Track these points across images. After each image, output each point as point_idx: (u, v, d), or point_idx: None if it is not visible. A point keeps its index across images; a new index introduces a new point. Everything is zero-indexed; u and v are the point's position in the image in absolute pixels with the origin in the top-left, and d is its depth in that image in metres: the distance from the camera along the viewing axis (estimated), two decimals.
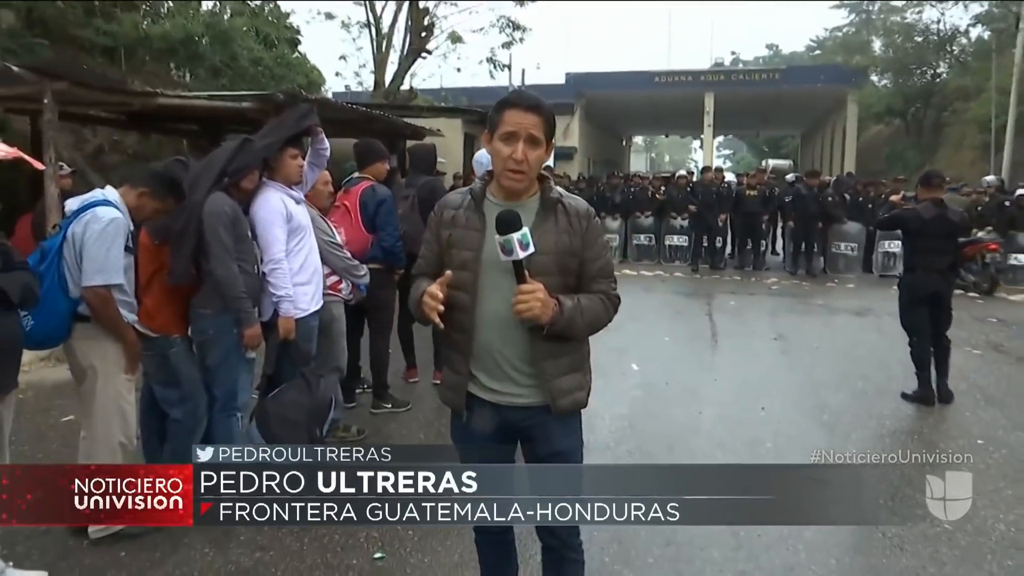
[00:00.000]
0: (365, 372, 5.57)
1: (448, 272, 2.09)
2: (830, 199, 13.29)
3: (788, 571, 3.20)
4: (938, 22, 33.13)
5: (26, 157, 2.97)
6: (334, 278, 4.60)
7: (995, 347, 7.81)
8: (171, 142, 15.51)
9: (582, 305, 2.11)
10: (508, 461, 2.14)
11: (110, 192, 3.39)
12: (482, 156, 5.54)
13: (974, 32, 32.37)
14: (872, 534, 3.53)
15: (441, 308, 2.03)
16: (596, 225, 2.22)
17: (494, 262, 2.05)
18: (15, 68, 6.39)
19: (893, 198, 7.10)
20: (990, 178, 13.58)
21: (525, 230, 1.98)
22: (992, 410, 5.57)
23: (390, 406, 5.24)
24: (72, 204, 3.38)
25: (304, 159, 4.13)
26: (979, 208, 12.28)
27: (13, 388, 2.85)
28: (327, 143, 4.33)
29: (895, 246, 12.15)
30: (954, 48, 33.49)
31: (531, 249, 1.99)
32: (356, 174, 5.16)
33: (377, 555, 3.27)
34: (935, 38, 33.14)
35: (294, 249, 3.92)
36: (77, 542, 3.31)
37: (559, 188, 2.23)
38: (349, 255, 4.60)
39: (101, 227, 3.18)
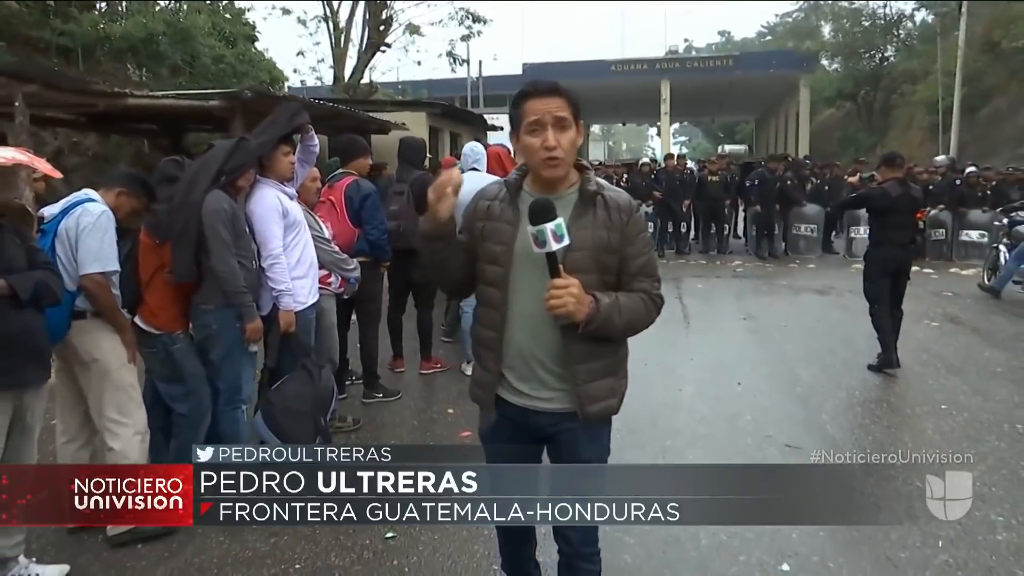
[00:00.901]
0: (353, 364, 5.69)
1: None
2: (789, 182, 13.66)
3: (776, 532, 3.42)
4: (884, 7, 33.97)
5: (38, 163, 2.99)
6: (323, 272, 4.70)
7: (951, 319, 8.20)
8: (131, 142, 15.31)
9: (620, 303, 2.00)
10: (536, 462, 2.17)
11: (91, 192, 3.46)
12: (471, 148, 5.66)
13: (919, 16, 33.29)
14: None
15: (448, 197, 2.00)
16: (639, 219, 2.10)
17: (527, 257, 1.95)
18: None
19: (851, 180, 7.41)
20: (941, 158, 14.12)
21: (560, 220, 1.88)
22: (953, 378, 5.89)
23: (381, 395, 5.37)
24: (53, 209, 3.42)
25: (295, 157, 4.23)
26: (931, 187, 12.75)
27: (44, 382, 2.92)
28: (316, 141, 4.42)
29: (863, 232, 12.64)
30: (900, 32, 34.39)
31: (566, 241, 1.88)
32: (340, 170, 5.26)
33: (388, 535, 3.41)
34: (882, 22, 33.99)
35: (291, 244, 4.02)
36: (94, 536, 3.39)
37: (599, 179, 2.12)
38: (337, 249, 4.71)
39: (94, 219, 3.26)
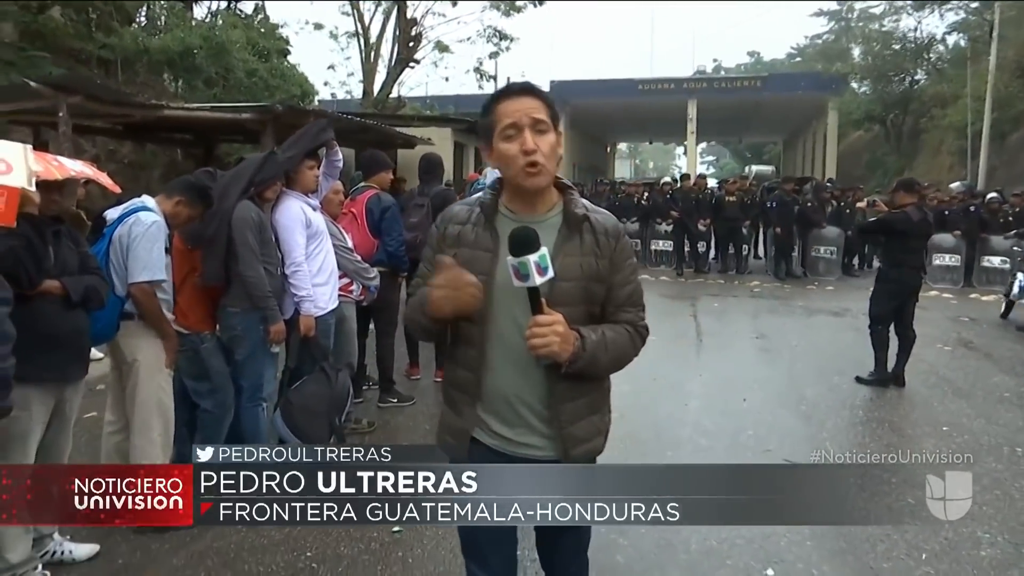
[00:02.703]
0: (370, 370, 5.91)
1: (446, 258, 1.80)
2: (809, 204, 13.75)
3: (765, 539, 3.56)
4: (915, 30, 33.87)
5: (101, 178, 3.27)
6: (345, 280, 4.93)
7: (965, 344, 8.24)
8: (165, 151, 15.80)
9: (607, 339, 1.84)
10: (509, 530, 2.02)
11: (148, 200, 3.70)
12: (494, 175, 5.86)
13: (950, 39, 33.16)
14: None
15: (476, 290, 1.74)
16: (626, 245, 1.94)
17: (508, 288, 1.76)
18: (32, 84, 6.70)
19: (859, 205, 7.58)
20: (956, 184, 14.16)
21: (544, 251, 1.70)
22: (959, 401, 5.97)
23: (396, 400, 5.58)
24: (113, 213, 3.69)
25: (319, 169, 4.48)
26: (946, 212, 12.82)
27: (82, 377, 3.16)
28: (340, 156, 4.68)
29: (829, 253, 13.08)
30: (931, 55, 34.24)
31: (550, 274, 1.71)
32: (362, 183, 5.51)
33: (395, 528, 3.59)
34: (912, 46, 33.86)
35: (313, 252, 4.26)
36: None
37: (584, 200, 1.95)
38: (359, 258, 4.95)
39: (144, 229, 3.48)
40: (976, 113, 23.60)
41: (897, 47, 34.00)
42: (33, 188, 2.49)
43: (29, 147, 2.59)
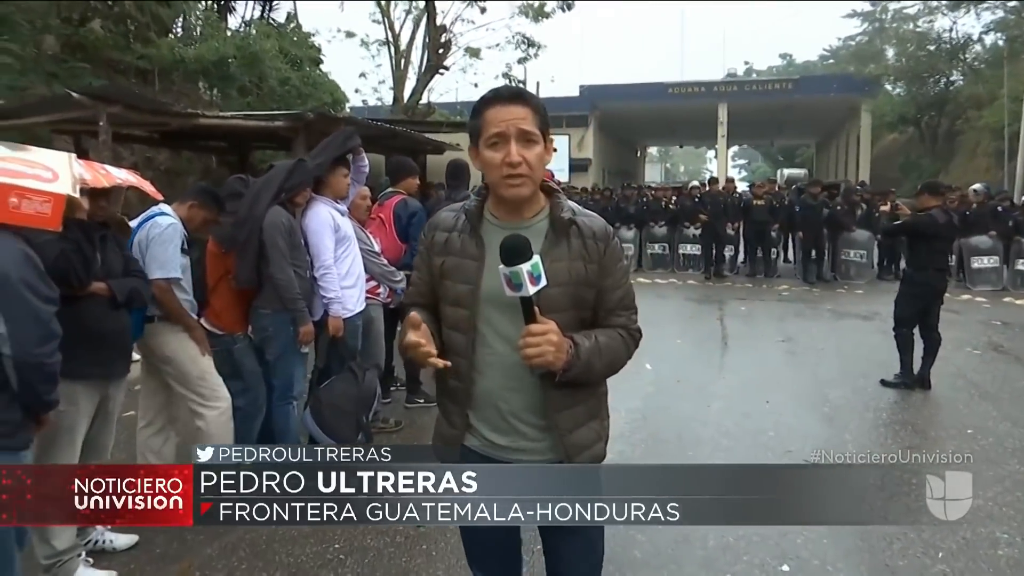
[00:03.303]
0: (397, 371, 6.04)
1: (414, 315, 1.77)
2: (839, 207, 13.66)
3: (781, 536, 3.62)
4: (950, 30, 33.37)
5: (145, 186, 3.45)
6: (372, 283, 5.07)
7: (995, 347, 8.16)
8: (200, 158, 16.17)
9: (600, 344, 1.82)
10: (512, 534, 2.04)
11: (164, 207, 3.88)
12: None
13: (988, 39, 32.60)
14: None
15: (433, 351, 1.74)
16: (615, 248, 1.90)
17: (495, 296, 1.73)
18: (75, 94, 6.96)
19: (883, 208, 7.60)
20: (977, 187, 13.95)
21: (536, 259, 1.66)
22: (985, 404, 5.94)
23: (422, 401, 5.71)
24: (135, 223, 3.86)
25: (349, 176, 4.62)
26: (967, 213, 12.72)
27: (126, 374, 3.33)
28: (367, 162, 4.82)
29: (860, 256, 13.01)
30: (967, 56, 33.71)
31: (543, 283, 1.67)
32: (389, 188, 5.65)
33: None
34: (947, 46, 33.36)
35: (341, 256, 4.40)
36: None
37: (572, 204, 1.91)
38: (386, 262, 5.09)
39: (160, 231, 3.66)
40: (1013, 114, 23.21)
41: (932, 48, 33.51)
42: (78, 195, 2.64)
43: (73, 155, 2.76)
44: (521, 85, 27.64)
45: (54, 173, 2.57)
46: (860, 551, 3.49)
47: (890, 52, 37.60)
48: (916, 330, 6.40)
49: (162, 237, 3.62)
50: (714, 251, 14.33)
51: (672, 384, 6.43)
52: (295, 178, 4.24)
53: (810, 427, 5.32)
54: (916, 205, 6.70)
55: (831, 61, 49.50)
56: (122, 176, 3.31)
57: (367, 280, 4.95)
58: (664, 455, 4.71)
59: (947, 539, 3.59)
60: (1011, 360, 7.59)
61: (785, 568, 3.32)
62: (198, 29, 15.47)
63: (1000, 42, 30.73)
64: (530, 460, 1.87)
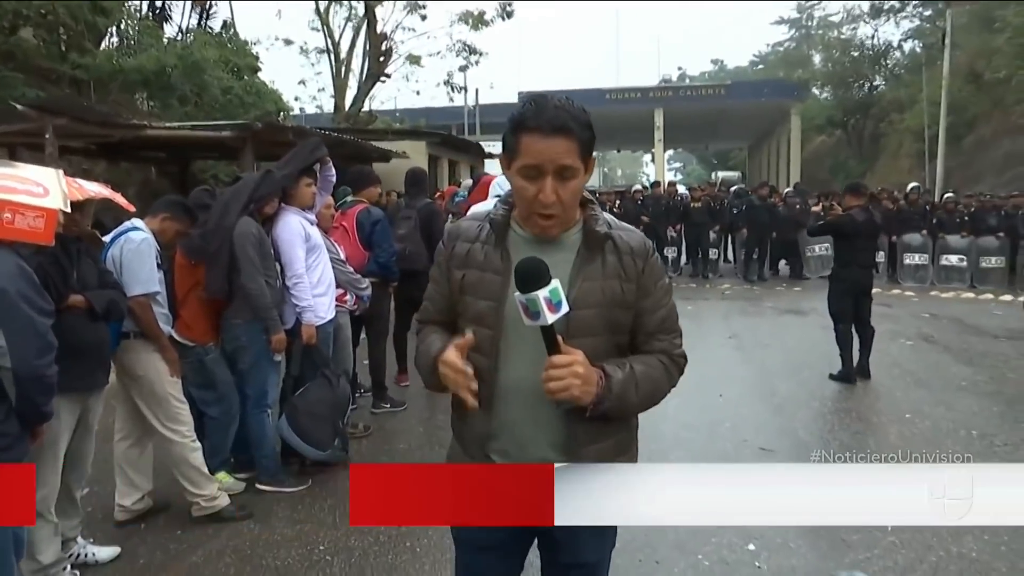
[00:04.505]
0: (360, 377, 6.11)
1: (469, 335, 1.64)
2: (798, 207, 14.24)
3: None
4: (872, 37, 34.88)
5: (118, 198, 3.46)
6: (339, 291, 5.14)
7: (926, 338, 8.66)
8: (139, 169, 15.84)
9: (636, 375, 1.63)
10: (516, 567, 1.89)
11: (137, 221, 3.89)
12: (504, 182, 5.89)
13: (906, 46, 34.21)
14: None
15: (474, 385, 1.58)
16: (655, 265, 1.72)
17: (521, 316, 1.52)
18: (19, 106, 6.83)
19: (815, 209, 8.02)
20: (914, 185, 14.80)
21: (555, 284, 1.48)
22: (920, 390, 6.34)
23: (388, 406, 5.79)
24: (107, 239, 3.86)
25: (316, 186, 4.69)
26: (898, 212, 13.50)
27: (105, 386, 3.35)
28: (333, 172, 4.88)
29: (824, 249, 13.23)
30: (888, 62, 35.28)
31: (564, 309, 1.49)
32: (350, 198, 5.73)
33: None
34: (870, 53, 34.87)
35: (312, 265, 4.46)
36: (135, 526, 3.81)
37: (608, 217, 1.74)
38: (352, 270, 5.16)
39: (135, 246, 3.67)
40: (932, 117, 24.39)
41: (856, 54, 35.00)
42: (69, 209, 2.69)
43: (61, 172, 2.80)
44: (462, 91, 27.76)
45: (45, 188, 2.61)
46: (817, 529, 3.72)
47: (817, 58, 39.11)
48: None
49: (138, 251, 3.63)
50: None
51: None
52: (263, 189, 4.29)
53: (762, 417, 5.60)
54: (843, 205, 7.13)
55: (761, 66, 51.21)
56: (95, 189, 3.33)
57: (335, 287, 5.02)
58: None
59: None
60: (941, 349, 8.06)
61: (751, 547, 3.54)
62: (134, 38, 15.15)
63: (918, 49, 32.33)
64: None
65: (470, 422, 1.74)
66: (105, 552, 3.50)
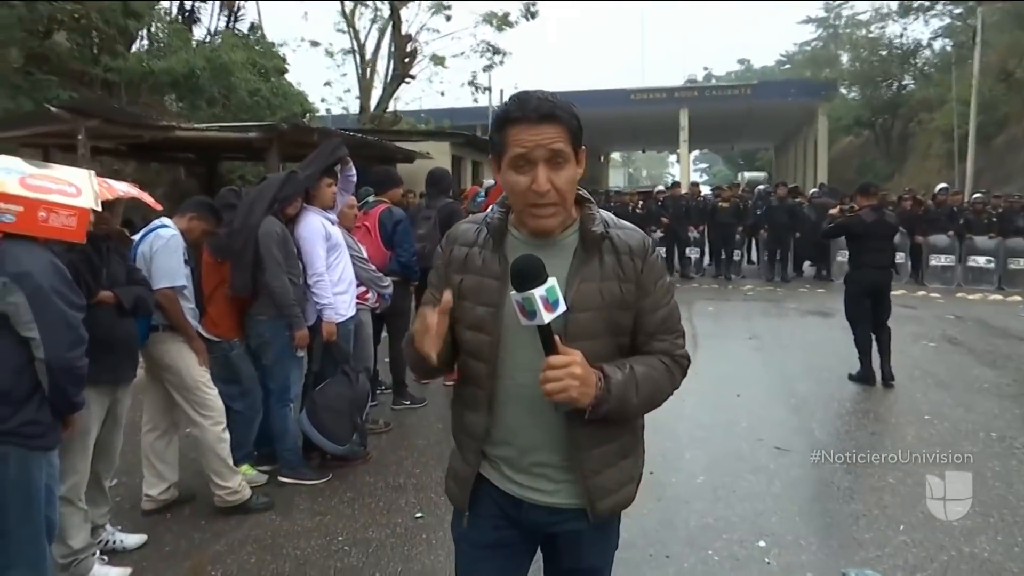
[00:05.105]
0: (382, 375, 6.21)
1: (447, 295, 1.58)
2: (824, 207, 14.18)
3: (757, 516, 3.89)
4: (901, 36, 34.44)
5: (146, 197, 3.60)
6: (361, 288, 5.25)
7: (949, 340, 8.59)
8: (168, 169, 16.12)
9: (637, 376, 1.60)
10: (522, 569, 1.85)
11: (165, 220, 4.03)
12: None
13: (936, 45, 33.72)
14: (828, 487, 4.25)
15: (436, 342, 1.55)
16: (654, 263, 1.68)
17: (519, 321, 1.50)
18: (53, 108, 7.03)
19: (832, 211, 7.94)
20: (943, 186, 14.63)
21: (552, 283, 1.46)
22: (941, 392, 6.31)
23: (409, 402, 5.89)
24: (136, 237, 4.01)
25: (336, 186, 4.80)
26: (922, 213, 13.35)
27: (132, 379, 3.47)
28: (354, 171, 5.00)
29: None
30: (917, 61, 34.80)
31: (561, 308, 1.47)
32: (372, 198, 5.84)
33: (418, 514, 3.92)
34: (899, 51, 34.42)
35: (333, 263, 4.57)
36: (161, 515, 3.94)
37: (606, 215, 1.70)
38: (374, 268, 5.27)
39: (164, 242, 3.82)
40: (962, 117, 24.05)
41: (884, 53, 34.55)
42: (100, 208, 2.80)
43: (93, 172, 2.91)
44: (487, 91, 27.88)
45: (77, 188, 2.73)
46: (829, 527, 3.77)
47: (844, 57, 38.69)
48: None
49: (166, 247, 3.77)
50: (676, 253, 14.75)
51: None
52: (287, 189, 4.41)
53: (779, 417, 5.61)
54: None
55: (788, 66, 50.76)
56: (124, 189, 3.46)
57: (357, 285, 5.12)
58: None
59: (908, 514, 3.88)
60: (964, 351, 7.99)
61: (762, 544, 3.57)
62: (164, 41, 15.45)
63: (948, 47, 31.86)
64: (549, 503, 1.68)
65: (469, 428, 1.73)
66: (132, 539, 3.63)
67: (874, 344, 6.63)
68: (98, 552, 3.40)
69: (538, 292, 1.44)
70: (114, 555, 3.51)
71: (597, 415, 1.55)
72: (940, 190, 14.31)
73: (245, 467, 4.30)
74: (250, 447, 4.41)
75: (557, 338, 1.49)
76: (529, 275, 1.45)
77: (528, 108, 1.54)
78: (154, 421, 4.04)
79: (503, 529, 1.73)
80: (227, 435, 3.97)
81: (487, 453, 1.72)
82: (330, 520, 3.90)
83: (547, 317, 1.45)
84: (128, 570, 3.36)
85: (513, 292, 1.48)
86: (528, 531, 1.74)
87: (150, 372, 4.03)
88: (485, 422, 1.68)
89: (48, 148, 10.68)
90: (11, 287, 2.43)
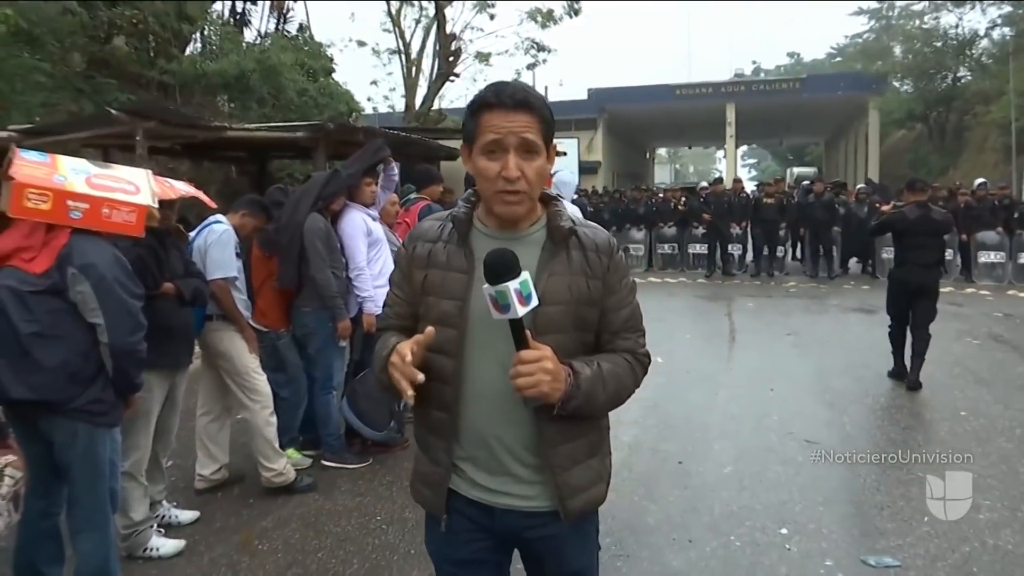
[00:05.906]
0: None
1: (430, 329, 1.56)
2: (877, 205, 13.98)
3: (781, 505, 3.98)
4: (956, 27, 33.51)
5: (203, 196, 3.85)
6: None
7: (994, 337, 8.47)
8: (220, 168, 16.63)
9: (603, 372, 1.62)
10: None
11: (219, 216, 4.28)
12: (560, 179, 4.68)
13: (994, 34, 32.70)
14: (854, 479, 4.32)
15: (417, 378, 1.50)
16: (620, 262, 1.70)
17: (486, 315, 1.50)
18: (113, 111, 7.39)
19: (884, 208, 7.84)
20: (980, 181, 14.28)
21: (525, 276, 1.47)
22: (979, 389, 6.26)
23: None
24: (192, 233, 4.27)
25: (377, 185, 5.01)
26: (971, 209, 13.09)
27: (189, 365, 3.73)
28: (396, 170, 5.20)
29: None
30: (973, 52, 33.82)
31: (534, 302, 1.48)
32: (413, 195, 6.05)
33: None
34: (954, 42, 33.50)
35: (373, 258, 4.78)
36: (213, 494, 4.20)
37: (571, 213, 1.73)
38: None
39: (217, 236, 4.09)
40: (1020, 109, 23.38)
41: (939, 44, 33.65)
42: (156, 205, 3.04)
43: (150, 171, 3.16)
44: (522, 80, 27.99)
45: (136, 187, 2.97)
46: (853, 516, 3.84)
47: (897, 49, 37.75)
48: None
49: (220, 241, 4.03)
50: (719, 250, 14.71)
51: (682, 375, 6.77)
52: (331, 187, 4.63)
53: (811, 411, 5.66)
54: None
55: (839, 59, 49.65)
56: (183, 188, 3.71)
57: None
58: (673, 439, 5.06)
59: None
60: (1008, 349, 7.89)
61: (784, 531, 3.67)
62: (216, 43, 15.96)
63: (1007, 36, 30.88)
64: (522, 504, 1.66)
65: (435, 427, 1.69)
66: (186, 515, 3.90)
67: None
68: (155, 525, 3.66)
69: (512, 285, 1.44)
70: (170, 529, 3.77)
71: (566, 411, 1.56)
72: (979, 185, 13.96)
73: (291, 451, 4.55)
74: (295, 432, 4.65)
75: (528, 333, 1.50)
76: (503, 268, 1.45)
77: (503, 95, 1.56)
78: (208, 406, 4.31)
79: (479, 542, 1.71)
80: (274, 419, 4.21)
81: (454, 456, 1.68)
82: (369, 501, 4.12)
83: (521, 311, 1.45)
84: (183, 542, 3.61)
85: (486, 286, 1.47)
86: (502, 539, 1.72)
87: (205, 359, 4.31)
88: (452, 419, 1.64)
89: (108, 148, 11.16)
90: (79, 277, 2.68)
